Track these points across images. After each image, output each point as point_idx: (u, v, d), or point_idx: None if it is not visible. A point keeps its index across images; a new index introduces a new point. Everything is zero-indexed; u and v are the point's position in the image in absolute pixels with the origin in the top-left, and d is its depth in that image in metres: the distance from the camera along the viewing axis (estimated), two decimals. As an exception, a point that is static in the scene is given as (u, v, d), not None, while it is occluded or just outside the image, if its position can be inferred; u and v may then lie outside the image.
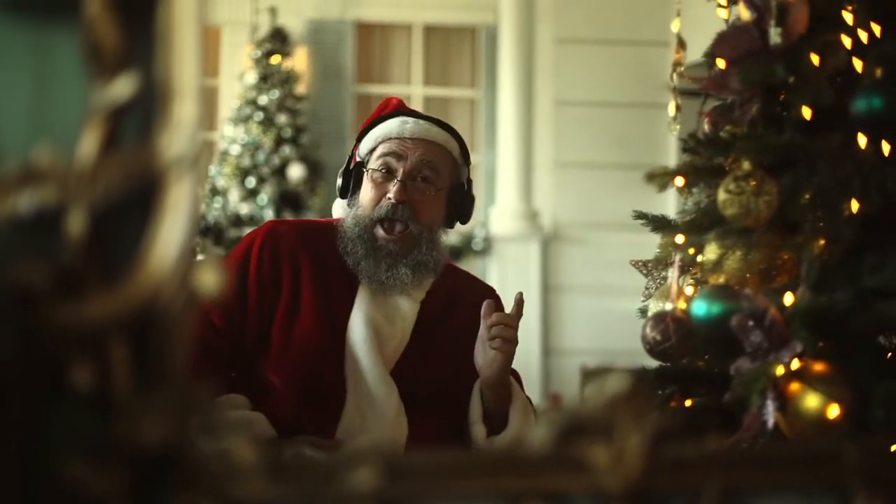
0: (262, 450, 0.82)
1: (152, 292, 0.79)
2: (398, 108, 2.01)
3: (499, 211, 6.12)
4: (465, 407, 1.95)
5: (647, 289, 1.87)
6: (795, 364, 1.48)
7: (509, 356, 1.94)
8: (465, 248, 5.86)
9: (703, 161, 1.72)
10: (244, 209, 6.22)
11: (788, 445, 1.34)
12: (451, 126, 2.03)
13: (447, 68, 6.61)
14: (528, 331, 5.94)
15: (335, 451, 1.77)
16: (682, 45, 1.87)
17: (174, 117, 0.81)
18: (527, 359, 5.76)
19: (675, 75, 1.86)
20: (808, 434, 1.46)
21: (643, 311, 1.83)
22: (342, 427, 1.86)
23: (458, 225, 2.05)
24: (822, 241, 1.58)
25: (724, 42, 1.66)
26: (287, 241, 1.96)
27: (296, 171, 6.21)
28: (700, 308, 1.58)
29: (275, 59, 6.22)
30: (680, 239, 1.72)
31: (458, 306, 2.00)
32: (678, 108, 1.85)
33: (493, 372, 1.91)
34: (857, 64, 1.65)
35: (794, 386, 1.47)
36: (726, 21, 1.78)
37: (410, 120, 1.97)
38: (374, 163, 1.95)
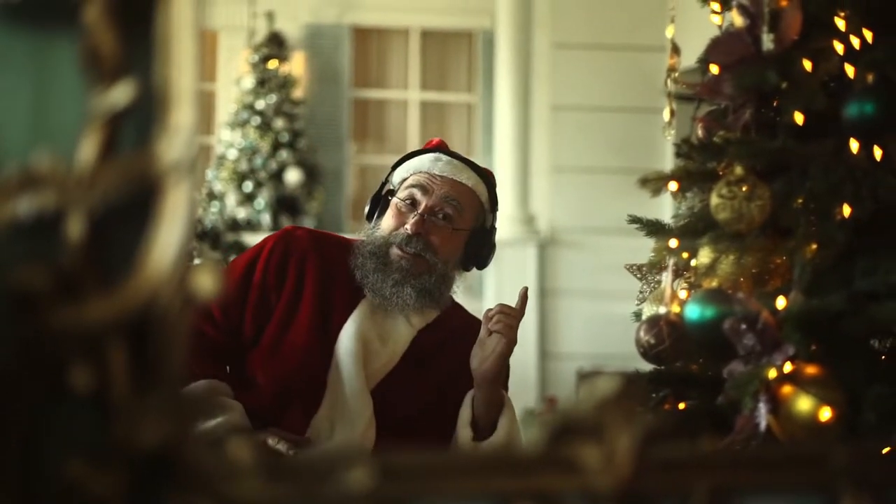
0: (259, 450, 0.83)
1: (150, 295, 0.80)
2: (438, 147, 2.06)
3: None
4: (436, 443, 1.97)
5: (641, 292, 1.89)
6: (788, 367, 1.49)
7: (507, 346, 1.92)
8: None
9: (697, 166, 1.73)
10: (241, 213, 6.23)
11: (777, 447, 1.35)
12: (486, 170, 2.07)
13: (444, 73, 6.62)
14: (525, 335, 5.93)
15: (301, 447, 1.81)
16: (676, 50, 1.89)
17: (172, 123, 0.82)
18: (524, 362, 5.77)
19: (669, 81, 1.87)
20: (801, 437, 1.47)
21: (638, 315, 1.84)
22: (311, 430, 1.89)
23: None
24: (814, 246, 1.60)
25: (718, 48, 1.68)
26: (298, 247, 2.00)
27: (293, 176, 6.22)
28: (693, 312, 1.59)
29: (272, 64, 6.23)
30: (674, 243, 1.73)
31: (455, 345, 2.01)
32: (672, 113, 1.86)
33: (490, 365, 1.91)
34: (850, 70, 1.66)
35: (787, 389, 1.48)
36: (720, 27, 1.80)
37: (444, 157, 2.01)
38: (401, 192, 1.99)
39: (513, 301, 1.98)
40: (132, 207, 0.82)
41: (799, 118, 1.64)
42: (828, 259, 1.59)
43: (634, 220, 1.84)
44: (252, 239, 5.59)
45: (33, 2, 0.85)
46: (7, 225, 0.82)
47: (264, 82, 6.22)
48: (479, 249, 2.04)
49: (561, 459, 0.82)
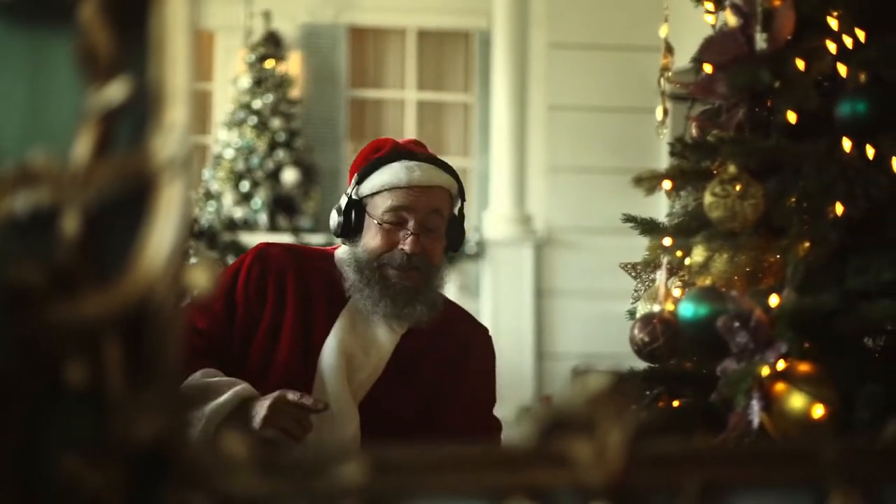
0: (254, 445, 0.84)
1: (145, 291, 0.81)
2: (396, 149, 2.01)
3: (492, 215, 6.14)
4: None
5: (636, 291, 1.89)
6: (781, 365, 1.50)
7: None
8: (458, 253, 5.87)
9: (691, 165, 1.74)
10: (238, 213, 6.23)
11: (768, 443, 1.36)
12: (447, 164, 2.05)
13: (441, 73, 6.63)
14: (522, 334, 5.96)
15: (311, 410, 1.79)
16: (669, 50, 1.89)
17: (166, 121, 0.83)
18: (520, 362, 5.78)
19: (663, 80, 1.88)
20: (794, 434, 1.47)
21: (632, 313, 1.85)
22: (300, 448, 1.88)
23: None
24: (807, 244, 1.60)
25: (711, 47, 1.68)
26: (275, 264, 1.97)
27: (289, 175, 6.22)
28: (687, 310, 1.60)
29: (269, 64, 6.24)
30: (668, 242, 1.74)
31: (442, 343, 2.01)
32: (665, 112, 1.87)
33: None
34: (842, 69, 1.67)
35: (780, 386, 1.49)
36: (713, 27, 1.80)
37: (415, 166, 1.97)
38: (383, 213, 1.94)
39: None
40: (127, 204, 0.83)
41: (792, 117, 1.64)
42: (821, 257, 1.60)
43: (629, 218, 1.85)
44: (249, 238, 5.59)
45: (29, 0, 0.85)
46: (3, 222, 0.82)
47: (261, 82, 6.23)
48: (454, 237, 2.03)
49: (552, 454, 0.83)
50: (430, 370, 2.00)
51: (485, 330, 2.14)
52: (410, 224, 1.94)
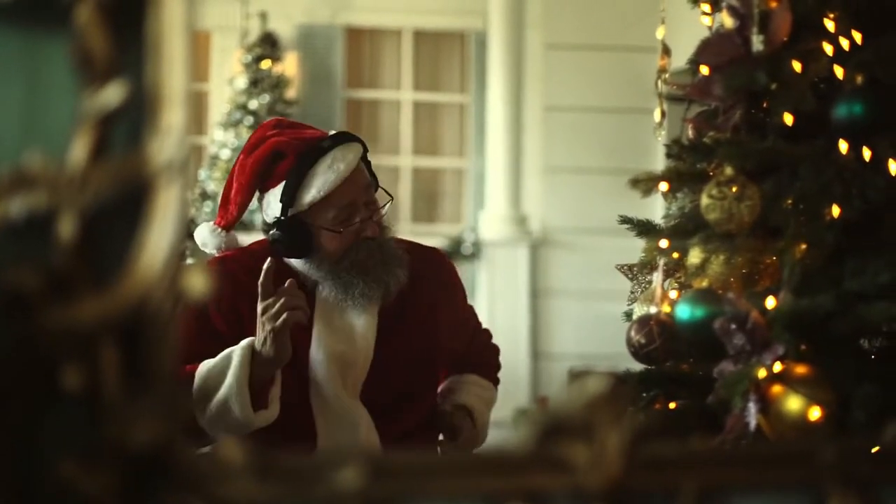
0: (250, 450, 0.84)
1: (142, 295, 0.81)
2: (299, 153, 1.92)
3: (488, 216, 6.14)
4: (433, 393, 2.05)
5: (632, 292, 1.89)
6: (777, 367, 1.50)
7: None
8: (454, 253, 5.87)
9: (687, 166, 1.74)
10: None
11: (766, 445, 1.36)
12: (339, 132, 2.01)
13: (437, 73, 6.63)
14: (517, 335, 5.96)
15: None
16: (666, 51, 1.90)
17: (163, 123, 0.83)
18: (515, 363, 5.77)
19: (659, 82, 1.88)
20: (791, 436, 1.47)
21: (629, 315, 1.85)
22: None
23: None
24: (803, 246, 1.61)
25: (708, 49, 1.68)
26: (239, 278, 1.91)
27: (285, 176, 6.21)
28: (684, 311, 1.60)
29: (265, 64, 6.23)
30: (664, 243, 1.74)
31: (413, 291, 2.00)
32: (663, 113, 1.87)
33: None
34: (839, 71, 1.67)
35: (777, 388, 1.49)
36: (710, 28, 1.81)
37: (332, 159, 1.91)
38: (333, 219, 1.91)
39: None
40: (124, 208, 0.83)
41: (788, 119, 1.64)
42: (817, 259, 1.60)
43: (625, 220, 1.85)
44: (245, 239, 5.57)
45: (25, 2, 0.85)
46: (-1, 225, 0.82)
47: (257, 82, 6.22)
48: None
49: (550, 458, 0.83)
50: (412, 322, 2.01)
51: (435, 251, 2.16)
52: (360, 212, 1.94)
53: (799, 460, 0.91)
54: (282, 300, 1.79)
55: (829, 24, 1.68)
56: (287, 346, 1.80)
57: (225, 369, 1.81)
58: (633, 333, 1.68)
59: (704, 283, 1.64)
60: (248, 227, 6.21)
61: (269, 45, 6.27)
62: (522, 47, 6.09)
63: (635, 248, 1.89)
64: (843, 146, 1.63)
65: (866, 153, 1.63)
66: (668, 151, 1.79)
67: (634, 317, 1.77)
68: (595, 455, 0.82)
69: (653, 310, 1.70)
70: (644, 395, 1.71)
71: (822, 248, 1.60)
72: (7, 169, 0.83)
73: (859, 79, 1.65)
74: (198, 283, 0.80)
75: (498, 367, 2.23)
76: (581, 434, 0.82)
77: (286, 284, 1.82)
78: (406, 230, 5.70)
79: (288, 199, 1.93)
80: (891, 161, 1.63)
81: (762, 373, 1.49)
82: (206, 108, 6.49)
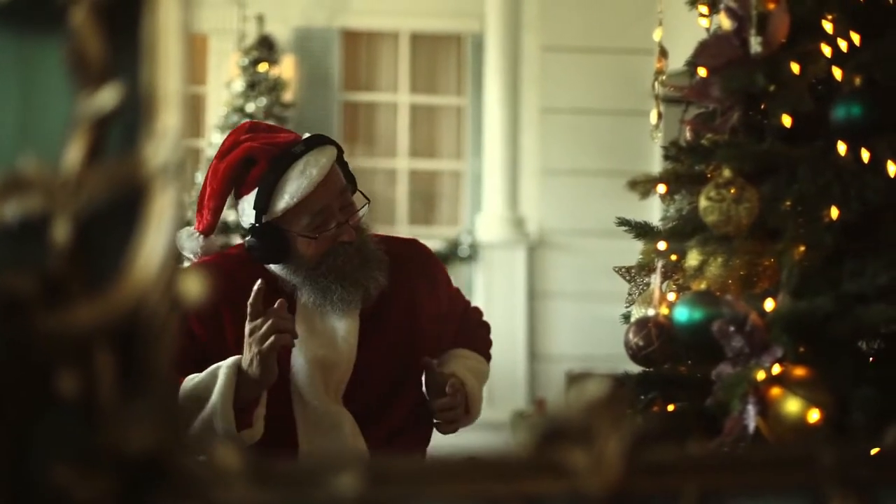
0: (247, 456, 0.83)
1: (137, 299, 0.80)
2: (273, 159, 1.91)
3: (485, 218, 6.14)
4: (418, 386, 2.03)
5: (630, 295, 1.89)
6: (776, 369, 1.49)
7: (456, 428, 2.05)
8: (451, 255, 5.87)
9: (685, 168, 1.74)
10: (231, 216, 6.22)
11: (765, 449, 1.36)
12: (313, 135, 1.99)
13: (433, 76, 6.62)
14: (515, 337, 5.96)
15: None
16: (663, 53, 1.89)
17: (158, 126, 0.82)
18: (513, 365, 5.77)
19: (657, 83, 1.87)
20: (789, 438, 1.47)
21: (626, 317, 1.85)
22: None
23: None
24: (802, 248, 1.60)
25: (706, 51, 1.68)
26: (217, 286, 1.87)
27: (282, 179, 6.21)
28: (682, 314, 1.60)
29: (262, 67, 6.23)
30: (662, 245, 1.74)
31: (393, 285, 1.99)
32: (660, 115, 1.86)
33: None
34: (837, 72, 1.67)
35: (775, 390, 1.49)
36: (708, 30, 1.80)
37: (305, 164, 1.90)
38: (307, 225, 1.91)
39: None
40: (119, 211, 0.82)
41: (787, 121, 1.64)
42: (816, 261, 1.60)
43: (623, 222, 1.85)
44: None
45: (20, 4, 0.85)
46: (-7, 229, 0.81)
47: (254, 85, 6.21)
48: (351, 184, 2.02)
49: (550, 463, 0.82)
50: (396, 321, 2.00)
51: (413, 242, 2.15)
52: (335, 217, 1.93)
53: (798, 463, 0.91)
54: (270, 322, 1.76)
55: (828, 26, 1.68)
56: (273, 369, 1.79)
57: (210, 386, 1.79)
58: (631, 335, 1.68)
59: (703, 285, 1.63)
60: (240, 230, 6.21)
61: (266, 48, 6.27)
62: (519, 49, 6.09)
63: (633, 250, 1.89)
64: (842, 148, 1.63)
65: (865, 155, 1.63)
66: (666, 153, 1.78)
67: (632, 319, 1.77)
68: (594, 460, 0.81)
69: (651, 312, 1.70)
70: (642, 397, 1.70)
71: (821, 249, 1.60)
72: (2, 172, 0.82)
73: (857, 80, 1.64)
74: (193, 287, 0.80)
75: (490, 343, 2.23)
76: (580, 438, 0.81)
77: (276, 305, 1.80)
78: (403, 232, 5.70)
79: (262, 207, 1.91)
80: (889, 162, 1.62)
81: (761, 375, 1.48)
82: (203, 111, 6.49)
